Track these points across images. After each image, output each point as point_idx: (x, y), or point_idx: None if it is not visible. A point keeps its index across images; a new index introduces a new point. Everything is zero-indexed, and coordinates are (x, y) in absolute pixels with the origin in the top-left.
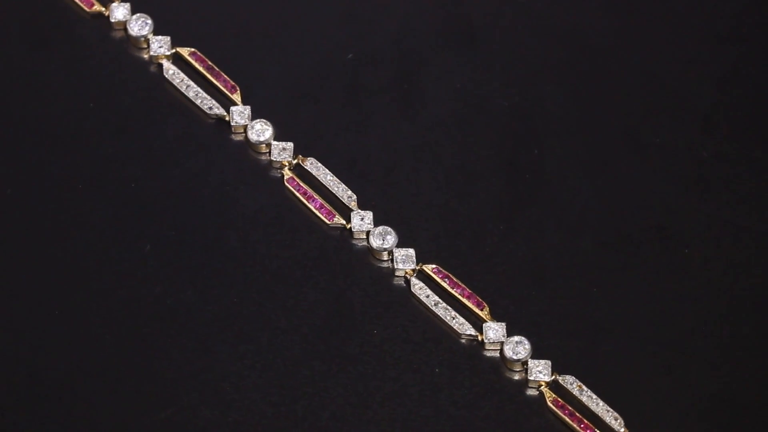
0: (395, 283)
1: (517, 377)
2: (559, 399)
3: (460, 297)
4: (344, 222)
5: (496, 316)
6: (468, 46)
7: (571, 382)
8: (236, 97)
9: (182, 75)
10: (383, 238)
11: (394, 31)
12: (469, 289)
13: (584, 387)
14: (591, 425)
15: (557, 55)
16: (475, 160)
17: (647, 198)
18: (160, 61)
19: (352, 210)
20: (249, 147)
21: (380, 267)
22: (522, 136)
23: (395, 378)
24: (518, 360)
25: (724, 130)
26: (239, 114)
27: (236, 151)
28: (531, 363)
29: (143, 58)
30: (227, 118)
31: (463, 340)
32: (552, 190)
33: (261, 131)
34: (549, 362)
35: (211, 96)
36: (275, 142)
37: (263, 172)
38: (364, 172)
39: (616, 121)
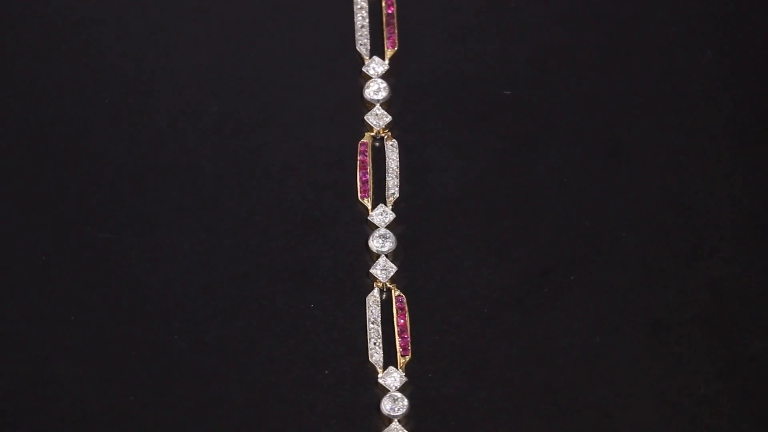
0: (365, 284)
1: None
2: None
3: (396, 332)
4: (369, 208)
5: (414, 370)
6: None
7: None
8: (389, 52)
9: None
10: (382, 242)
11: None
12: (411, 333)
13: None
14: None
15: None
16: None
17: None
18: None
19: (389, 206)
20: (361, 101)
21: (367, 263)
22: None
23: (284, 355)
24: (385, 414)
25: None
26: (377, 65)
27: (346, 96)
28: (393, 425)
29: None
30: (365, 64)
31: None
32: None
33: (377, 90)
34: (400, 428)
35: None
36: (379, 109)
37: (351, 121)
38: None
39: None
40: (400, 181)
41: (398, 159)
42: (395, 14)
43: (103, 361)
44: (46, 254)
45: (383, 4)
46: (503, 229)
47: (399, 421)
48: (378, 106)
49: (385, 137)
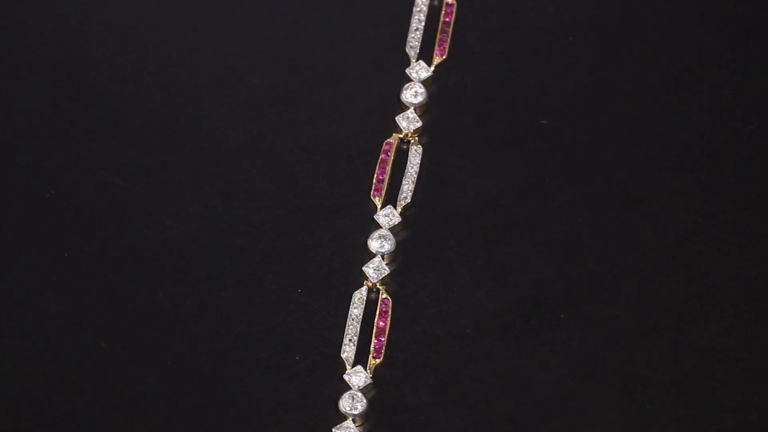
0: (356, 280)
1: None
2: None
3: (373, 333)
4: (378, 206)
5: (381, 374)
6: None
7: None
8: (436, 59)
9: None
10: (381, 242)
11: None
12: (388, 338)
13: None
14: None
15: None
16: None
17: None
18: None
19: (399, 209)
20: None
21: (363, 261)
22: None
23: (260, 333)
24: (342, 410)
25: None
26: (421, 69)
27: (384, 94)
28: (346, 422)
29: None
30: (410, 66)
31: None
32: None
33: (415, 94)
34: (353, 427)
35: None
36: (412, 113)
37: (383, 119)
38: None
39: None
40: (416, 187)
41: (419, 165)
42: (451, 24)
43: (84, 302)
44: (56, 188)
45: (442, 12)
46: (506, 254)
47: (354, 420)
48: (412, 109)
49: (412, 141)
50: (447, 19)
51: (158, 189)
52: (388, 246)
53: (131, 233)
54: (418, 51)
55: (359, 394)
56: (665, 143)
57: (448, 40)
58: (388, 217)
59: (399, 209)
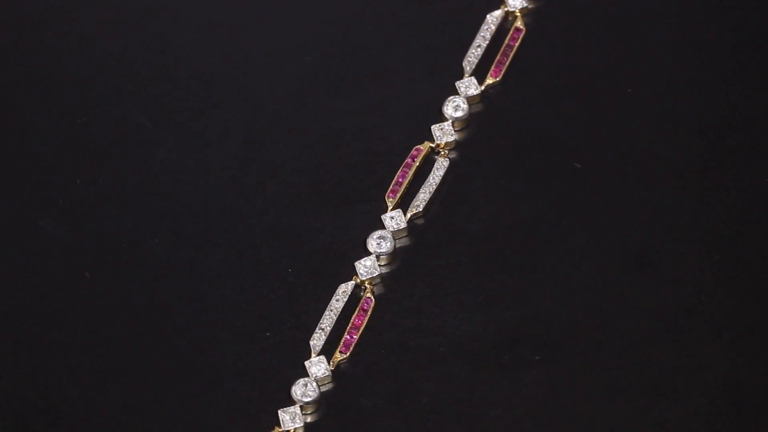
0: (347, 274)
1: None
2: None
3: (347, 329)
4: (389, 207)
5: (343, 370)
6: None
7: None
8: (488, 79)
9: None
10: (379, 243)
11: None
12: (360, 337)
13: None
14: None
15: None
16: None
17: None
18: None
19: (408, 216)
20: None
21: (359, 256)
22: None
23: (239, 301)
24: (292, 396)
25: None
26: (470, 85)
27: (429, 101)
28: (292, 408)
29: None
30: (461, 80)
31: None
32: None
33: (457, 108)
34: (299, 414)
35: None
36: (449, 126)
37: (421, 125)
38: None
39: None
40: (432, 199)
41: (441, 178)
42: (514, 49)
43: (81, 230)
44: (88, 116)
45: (509, 35)
46: (500, 285)
47: (301, 407)
48: (450, 122)
49: (441, 153)
50: (511, 43)
51: (184, 141)
52: (385, 247)
53: (146, 176)
54: (473, 67)
55: (314, 383)
56: (690, 216)
57: (506, 64)
58: (394, 220)
59: (408, 215)
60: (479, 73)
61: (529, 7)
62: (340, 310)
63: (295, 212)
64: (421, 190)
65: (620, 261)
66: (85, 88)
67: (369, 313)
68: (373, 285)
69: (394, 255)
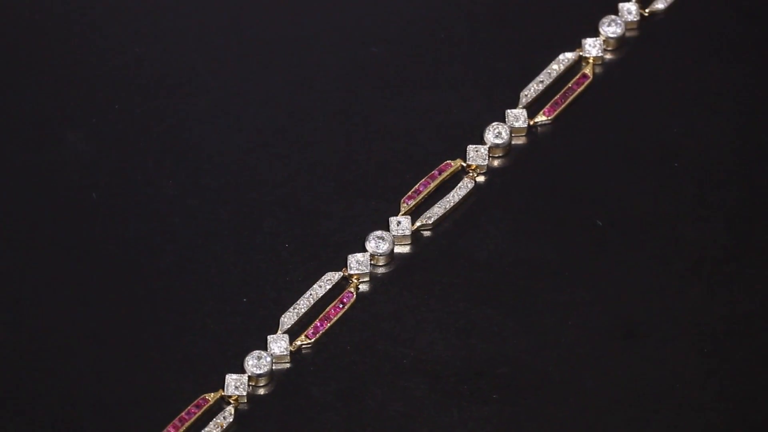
0: (340, 263)
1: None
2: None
3: (319, 317)
4: (401, 212)
5: (303, 354)
6: None
7: (228, 414)
8: (539, 116)
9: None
10: (376, 243)
11: None
12: (329, 328)
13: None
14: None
15: None
16: None
17: None
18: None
19: (416, 225)
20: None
21: (357, 250)
22: None
23: (227, 263)
24: (245, 366)
25: None
26: (519, 117)
27: (476, 121)
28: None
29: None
30: (513, 109)
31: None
32: None
33: (498, 135)
34: (245, 383)
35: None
36: (485, 150)
37: (460, 143)
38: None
39: None
40: (445, 215)
41: (461, 198)
42: (575, 95)
43: (103, 154)
44: (140, 47)
45: (574, 79)
46: (483, 316)
47: (249, 377)
48: (487, 147)
49: (469, 174)
50: (574, 87)
51: (228, 98)
52: (381, 249)
53: (181, 119)
54: (529, 100)
55: (269, 358)
56: (694, 303)
57: (562, 107)
58: (400, 225)
59: (417, 224)
60: (533, 108)
61: (604, 57)
62: (319, 296)
63: (310, 192)
64: (437, 204)
65: (607, 326)
66: (151, 23)
67: (346, 307)
68: (360, 281)
69: (391, 258)
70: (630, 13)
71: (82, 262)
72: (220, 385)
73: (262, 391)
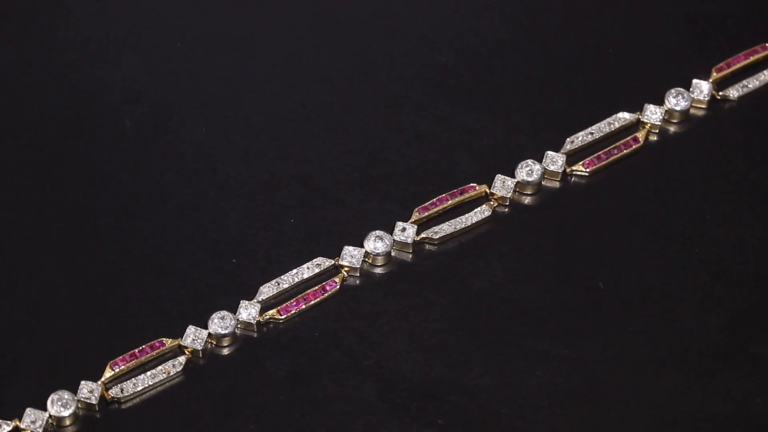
0: (335, 252)
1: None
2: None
3: (295, 296)
4: (411, 220)
5: (270, 327)
6: None
7: (178, 363)
8: (577, 166)
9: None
10: (374, 242)
11: None
12: (303, 310)
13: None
14: None
15: None
16: None
17: None
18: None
19: (420, 236)
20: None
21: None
22: None
23: (223, 220)
24: (208, 321)
25: None
26: (557, 161)
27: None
28: (199, 331)
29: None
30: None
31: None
32: None
33: (530, 173)
34: (203, 338)
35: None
36: (512, 184)
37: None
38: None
39: None
40: (453, 234)
41: (474, 223)
42: (619, 155)
43: (149, 77)
44: None
45: (623, 141)
46: (455, 342)
47: (209, 334)
48: (514, 181)
49: (490, 201)
50: (621, 148)
51: (279, 70)
52: (378, 249)
53: (229, 78)
54: (574, 147)
55: (233, 322)
56: (658, 383)
57: (603, 163)
58: (403, 232)
59: (421, 236)
60: (576, 157)
61: (663, 127)
62: (304, 277)
63: (332, 177)
64: (449, 222)
65: (573, 387)
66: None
67: (326, 294)
68: (349, 274)
69: (386, 261)
70: (701, 91)
71: (93, 184)
72: (180, 334)
73: (220, 351)
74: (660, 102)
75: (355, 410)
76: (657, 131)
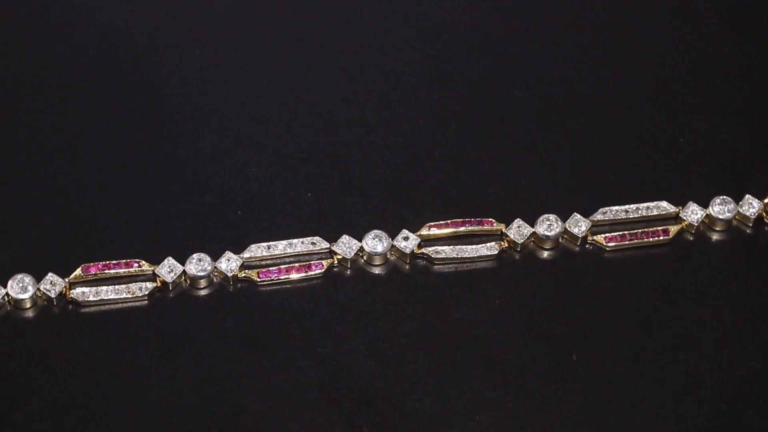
0: (335, 236)
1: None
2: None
3: (281, 264)
4: (418, 232)
5: (244, 287)
6: None
7: (145, 287)
8: (599, 238)
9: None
10: (372, 241)
11: None
12: (284, 280)
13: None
14: None
15: None
16: None
17: None
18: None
19: (420, 250)
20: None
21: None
22: None
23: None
24: (191, 271)
25: None
26: (581, 225)
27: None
28: (174, 264)
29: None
30: (581, 216)
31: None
32: None
33: (550, 228)
34: (176, 272)
35: None
36: (527, 231)
37: (514, 215)
38: None
39: None
40: (453, 259)
41: (477, 255)
42: (642, 241)
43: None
44: None
45: (651, 229)
46: (412, 360)
47: (184, 271)
48: (529, 230)
49: (502, 242)
50: (648, 234)
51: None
52: (376, 248)
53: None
54: (603, 219)
55: (209, 268)
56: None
57: (624, 243)
58: (405, 241)
59: (420, 250)
60: (601, 227)
61: (699, 229)
62: (296, 250)
63: (364, 168)
64: (452, 247)
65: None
66: None
67: (308, 274)
68: (339, 262)
69: (381, 262)
70: (751, 206)
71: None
72: (157, 262)
73: (190, 292)
74: (706, 204)
75: (290, 390)
76: (693, 231)
